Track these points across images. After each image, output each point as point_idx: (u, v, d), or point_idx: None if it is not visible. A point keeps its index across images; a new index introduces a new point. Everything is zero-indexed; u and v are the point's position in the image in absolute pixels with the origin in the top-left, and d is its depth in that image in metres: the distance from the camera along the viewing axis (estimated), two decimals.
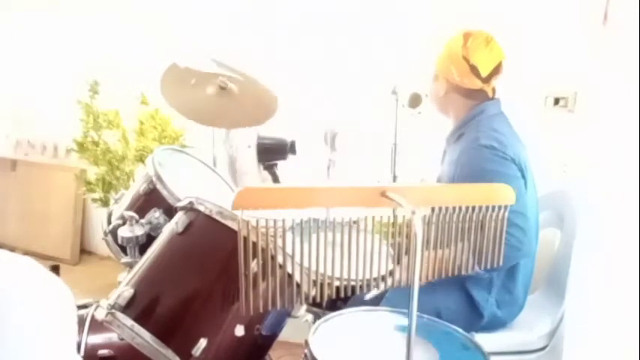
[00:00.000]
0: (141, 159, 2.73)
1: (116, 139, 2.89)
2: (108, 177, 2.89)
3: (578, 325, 1.54)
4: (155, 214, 1.55)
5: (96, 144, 2.90)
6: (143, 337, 1.17)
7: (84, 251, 3.60)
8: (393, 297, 1.55)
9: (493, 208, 1.13)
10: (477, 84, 1.60)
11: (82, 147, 2.93)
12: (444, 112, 1.73)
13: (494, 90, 1.65)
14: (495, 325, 1.64)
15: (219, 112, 1.79)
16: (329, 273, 1.04)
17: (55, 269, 1.89)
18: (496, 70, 1.60)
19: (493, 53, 1.59)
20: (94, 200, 2.97)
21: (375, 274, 1.08)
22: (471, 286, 1.59)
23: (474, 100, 1.64)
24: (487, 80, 1.60)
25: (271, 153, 2.11)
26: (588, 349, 1.51)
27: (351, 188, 1.02)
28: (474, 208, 1.10)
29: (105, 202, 2.91)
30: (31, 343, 0.67)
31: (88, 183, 3.00)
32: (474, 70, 1.58)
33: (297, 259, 1.05)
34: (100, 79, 2.94)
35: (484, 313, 1.59)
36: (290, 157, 2.11)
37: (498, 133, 1.56)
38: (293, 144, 2.09)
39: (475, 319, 1.60)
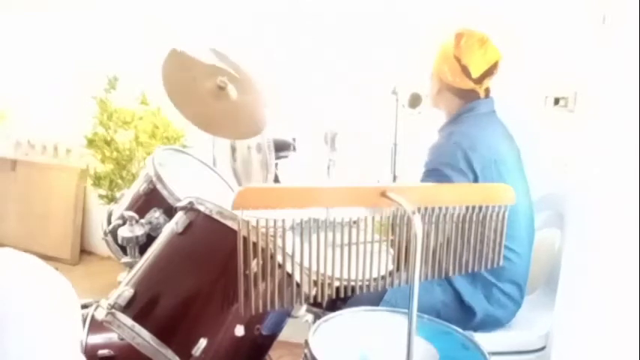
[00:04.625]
0: None
1: (127, 139, 2.87)
2: (113, 176, 2.88)
3: (569, 326, 1.54)
4: (155, 214, 1.55)
5: (107, 143, 2.87)
6: (143, 337, 1.17)
7: (84, 251, 3.59)
8: (392, 298, 1.55)
9: (493, 208, 1.13)
10: (468, 84, 1.60)
11: (91, 143, 2.90)
12: (438, 108, 1.74)
13: (487, 90, 1.65)
14: (492, 323, 1.63)
15: (216, 118, 1.77)
16: (329, 273, 1.04)
17: None
18: (489, 72, 1.60)
19: (487, 54, 1.58)
20: (101, 196, 2.95)
21: (375, 274, 1.08)
22: (455, 280, 1.57)
23: (465, 99, 1.65)
24: (479, 81, 1.60)
25: (277, 151, 2.14)
26: (579, 351, 1.50)
27: (351, 188, 1.03)
28: (473, 208, 1.10)
29: (111, 199, 2.87)
30: (35, 341, 0.67)
31: (97, 178, 2.94)
32: (465, 70, 1.58)
33: (297, 259, 1.05)
34: (99, 78, 2.94)
35: (475, 310, 1.58)
36: (291, 155, 2.14)
37: (473, 135, 1.56)
38: (294, 141, 2.14)
39: (467, 315, 1.59)
